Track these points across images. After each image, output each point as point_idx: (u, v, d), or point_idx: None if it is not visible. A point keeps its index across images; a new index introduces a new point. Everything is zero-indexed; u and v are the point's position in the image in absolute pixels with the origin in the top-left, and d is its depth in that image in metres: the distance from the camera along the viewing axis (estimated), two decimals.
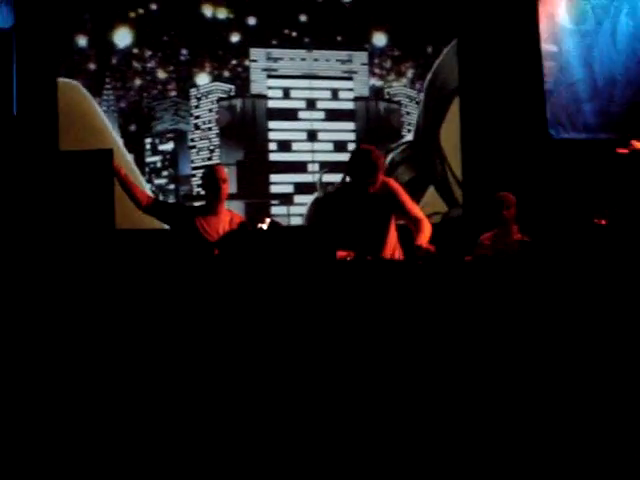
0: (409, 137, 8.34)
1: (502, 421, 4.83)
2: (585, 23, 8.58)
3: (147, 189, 7.63)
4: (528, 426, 4.77)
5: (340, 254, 5.45)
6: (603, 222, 5.22)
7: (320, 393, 4.91)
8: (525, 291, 5.18)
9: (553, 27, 8.50)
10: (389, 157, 8.15)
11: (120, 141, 7.75)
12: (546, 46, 8.44)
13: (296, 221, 8.11)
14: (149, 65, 7.85)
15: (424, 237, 5.68)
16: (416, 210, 5.89)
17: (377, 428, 4.78)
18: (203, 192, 6.27)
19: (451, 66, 8.36)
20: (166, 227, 6.31)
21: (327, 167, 8.16)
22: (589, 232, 5.24)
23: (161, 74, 7.88)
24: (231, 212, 6.32)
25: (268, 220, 5.59)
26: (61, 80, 7.55)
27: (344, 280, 5.24)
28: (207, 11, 7.97)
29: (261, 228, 5.52)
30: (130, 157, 7.79)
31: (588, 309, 5.16)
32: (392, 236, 5.87)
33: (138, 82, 7.83)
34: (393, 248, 5.86)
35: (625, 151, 5.26)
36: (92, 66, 7.72)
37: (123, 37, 7.79)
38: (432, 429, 4.80)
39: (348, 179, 5.95)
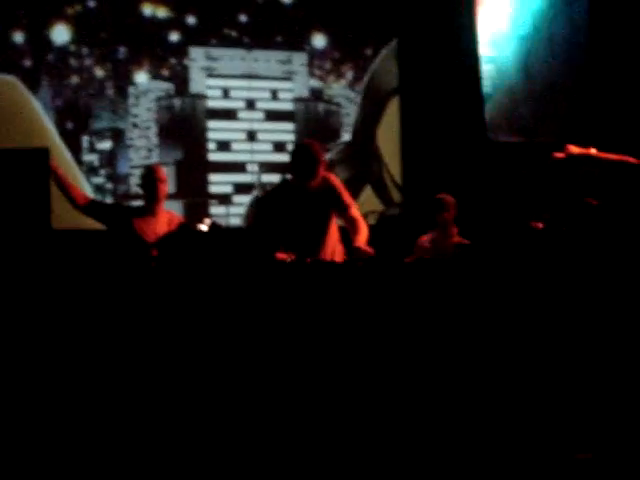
0: (347, 138, 8.23)
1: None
2: (523, 28, 8.57)
3: (86, 187, 7.46)
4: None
5: (280, 256, 5.35)
6: (540, 226, 5.17)
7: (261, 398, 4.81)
8: (462, 294, 5.14)
9: (492, 31, 8.48)
10: (327, 157, 7.98)
11: (59, 139, 7.54)
12: (485, 50, 8.41)
13: (235, 221, 8.01)
14: (86, 62, 7.65)
15: (362, 238, 5.60)
16: (354, 209, 5.81)
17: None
18: (141, 191, 6.12)
19: (388, 68, 8.31)
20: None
21: (265, 167, 8.03)
22: (526, 235, 5.19)
23: (98, 72, 7.70)
24: (170, 213, 6.19)
25: (208, 221, 5.47)
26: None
27: (283, 283, 5.16)
28: (146, 9, 7.82)
29: (201, 229, 5.40)
30: (69, 155, 7.57)
31: (524, 313, 5.13)
32: (333, 234, 5.78)
33: (75, 80, 7.63)
34: (333, 246, 5.76)
35: (561, 155, 5.21)
36: (27, 62, 7.50)
37: (60, 34, 7.58)
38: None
39: (289, 176, 5.86)
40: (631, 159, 5.11)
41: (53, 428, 4.72)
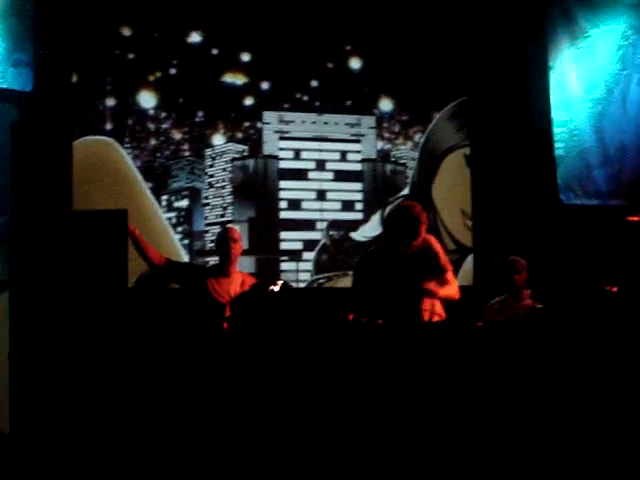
0: (406, 191, 7.92)
1: None
2: (596, 91, 8.10)
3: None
4: None
5: (352, 317, 4.98)
6: (614, 289, 4.72)
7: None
8: (535, 358, 4.73)
9: (564, 94, 8.04)
10: (387, 209, 7.76)
11: (152, 198, 7.35)
12: (557, 113, 7.97)
13: (304, 277, 7.65)
14: (164, 126, 7.42)
15: (442, 291, 5.24)
16: (450, 274, 5.50)
17: None
18: (216, 250, 5.81)
19: (443, 127, 7.98)
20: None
21: (334, 225, 7.69)
22: (600, 299, 4.75)
23: (176, 134, 7.45)
24: (243, 274, 5.87)
25: (280, 282, 5.13)
26: (97, 137, 7.18)
27: (352, 344, 4.82)
28: (223, 76, 7.58)
29: (272, 290, 5.06)
30: (161, 212, 7.39)
31: (599, 376, 4.71)
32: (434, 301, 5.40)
33: (153, 142, 7.39)
34: (431, 305, 5.36)
35: (636, 218, 4.80)
36: (108, 126, 7.27)
37: (146, 99, 7.37)
38: None
39: (388, 236, 5.52)
40: None
41: None
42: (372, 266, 5.44)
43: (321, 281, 7.61)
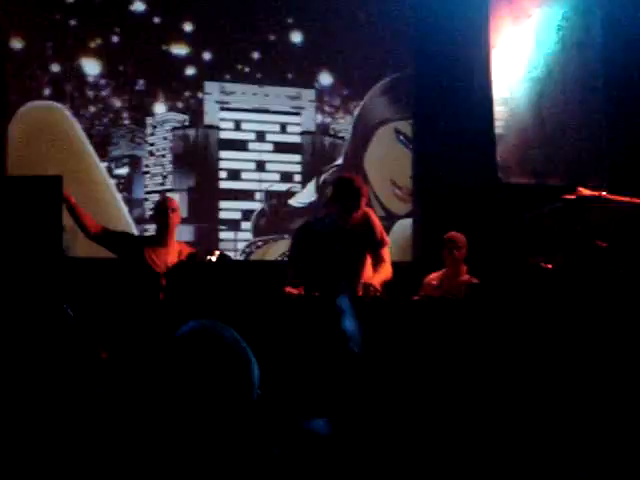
0: (340, 161, 7.67)
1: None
2: (536, 70, 7.85)
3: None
4: None
5: (289, 290, 4.67)
6: (549, 266, 4.49)
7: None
8: (470, 333, 4.48)
9: (505, 73, 7.80)
10: (321, 178, 7.54)
11: (101, 165, 7.01)
12: (497, 91, 7.74)
13: (241, 246, 7.36)
14: (104, 93, 7.04)
15: (378, 277, 4.94)
16: (385, 249, 5.19)
17: None
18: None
19: (376, 101, 7.72)
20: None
21: (272, 195, 7.41)
22: (535, 275, 4.52)
23: (117, 102, 7.09)
24: (181, 244, 5.54)
25: (217, 252, 4.79)
26: (45, 103, 6.83)
27: (288, 317, 4.52)
28: (166, 45, 7.22)
29: (210, 260, 4.72)
30: (113, 181, 7.06)
31: (530, 352, 4.48)
32: (367, 269, 5.11)
33: (93, 109, 7.02)
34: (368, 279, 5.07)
35: (572, 197, 4.57)
36: (47, 92, 6.89)
37: (83, 66, 6.97)
38: None
39: (329, 208, 5.21)
40: None
41: None
42: (310, 236, 5.16)
43: (259, 244, 7.36)
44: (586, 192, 4.55)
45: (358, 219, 5.04)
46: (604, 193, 4.54)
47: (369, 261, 5.18)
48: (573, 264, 4.44)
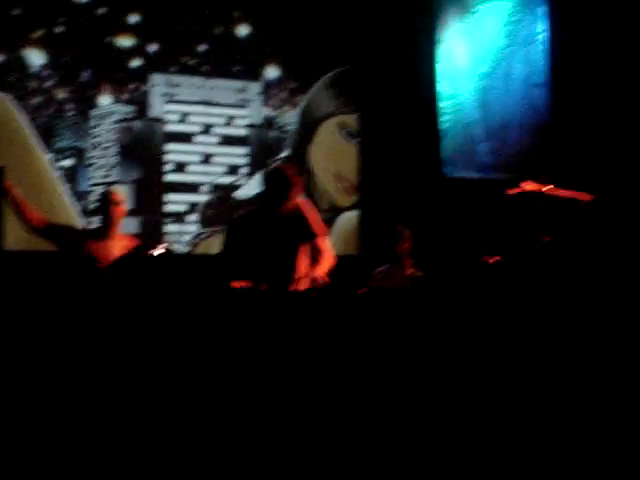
0: (285, 154, 7.61)
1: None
2: (482, 66, 7.82)
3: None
4: None
5: (235, 284, 4.57)
6: (492, 260, 4.47)
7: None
8: (413, 325, 4.45)
9: (450, 68, 7.78)
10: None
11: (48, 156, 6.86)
12: (443, 86, 7.72)
13: (187, 238, 7.27)
14: (48, 84, 6.87)
15: (321, 269, 4.84)
16: (322, 240, 5.05)
17: None
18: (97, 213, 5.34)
19: (321, 95, 7.69)
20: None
21: (218, 188, 7.31)
22: (478, 269, 4.50)
23: (60, 93, 6.92)
24: (126, 237, 5.39)
25: (162, 246, 4.69)
26: None
27: (234, 311, 4.42)
28: (111, 37, 7.08)
29: (153, 254, 4.62)
30: (58, 173, 6.89)
31: (473, 346, 4.46)
32: (303, 261, 4.99)
33: (36, 100, 6.85)
34: (305, 273, 4.95)
35: (515, 192, 4.55)
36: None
37: (26, 56, 6.81)
38: None
39: (262, 199, 5.10)
40: (584, 195, 4.50)
41: None
42: (243, 230, 5.04)
43: (204, 236, 7.26)
44: (530, 186, 4.54)
45: (290, 210, 4.96)
46: (547, 187, 4.54)
47: (305, 253, 5.09)
48: (516, 258, 4.43)
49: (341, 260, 5.16)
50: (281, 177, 4.92)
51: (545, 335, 4.42)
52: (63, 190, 6.89)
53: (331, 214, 7.59)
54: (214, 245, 7.22)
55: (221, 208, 7.31)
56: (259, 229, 4.97)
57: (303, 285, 4.97)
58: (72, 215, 6.84)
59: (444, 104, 7.69)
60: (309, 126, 7.68)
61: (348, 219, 7.65)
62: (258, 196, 5.56)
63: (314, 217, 5.07)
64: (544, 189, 4.52)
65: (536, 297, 4.42)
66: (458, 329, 4.43)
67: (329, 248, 5.10)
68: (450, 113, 7.71)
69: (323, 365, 4.30)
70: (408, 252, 5.81)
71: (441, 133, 7.63)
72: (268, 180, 5.03)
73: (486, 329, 4.43)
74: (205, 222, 7.29)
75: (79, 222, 6.79)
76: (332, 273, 4.91)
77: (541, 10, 7.82)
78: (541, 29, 7.85)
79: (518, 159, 7.58)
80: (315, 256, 4.98)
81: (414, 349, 4.41)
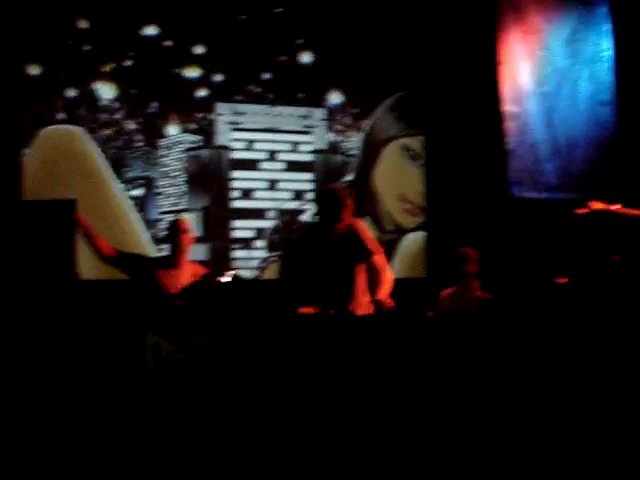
0: (350, 177, 7.61)
1: None
2: (546, 85, 7.69)
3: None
4: None
5: (303, 310, 4.55)
6: (562, 281, 4.36)
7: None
8: (483, 349, 4.36)
9: (515, 88, 7.66)
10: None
11: (118, 189, 6.97)
12: (508, 107, 7.60)
13: (254, 264, 7.27)
14: (117, 116, 6.98)
15: (384, 290, 4.77)
16: (378, 257, 4.96)
17: None
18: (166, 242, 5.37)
19: (384, 118, 7.67)
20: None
21: (285, 214, 7.33)
22: (548, 291, 4.39)
23: (130, 124, 7.03)
24: (194, 264, 5.41)
25: (231, 273, 4.69)
26: (64, 126, 6.77)
27: (304, 337, 4.40)
28: (178, 68, 7.16)
29: (223, 281, 4.63)
30: (130, 203, 6.99)
31: (546, 368, 4.36)
32: (360, 280, 4.92)
33: (106, 132, 6.96)
34: (362, 293, 4.90)
35: (584, 211, 4.44)
36: (61, 116, 6.82)
37: (96, 90, 6.92)
38: None
39: (316, 221, 5.09)
40: None
41: None
42: (298, 252, 5.03)
43: (271, 260, 7.24)
44: (597, 206, 4.43)
45: (344, 230, 4.92)
46: (615, 206, 4.42)
47: (362, 273, 5.02)
48: (586, 278, 4.31)
49: (407, 282, 5.10)
50: (333, 197, 4.91)
51: (618, 357, 4.29)
52: (135, 219, 6.98)
53: (396, 235, 7.57)
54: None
55: (287, 232, 7.31)
56: (314, 251, 4.94)
57: (364, 304, 4.91)
58: (144, 243, 6.92)
59: (509, 124, 7.56)
60: (372, 149, 7.67)
61: (413, 240, 7.59)
62: (314, 218, 5.54)
63: (368, 236, 5.03)
64: (612, 208, 4.41)
65: (607, 318, 4.30)
66: (527, 352, 4.33)
67: (386, 265, 5.05)
68: (516, 133, 7.58)
69: (397, 388, 4.25)
70: (475, 274, 5.70)
71: (507, 153, 7.51)
72: (320, 201, 5.05)
73: (555, 352, 4.32)
74: (271, 247, 7.30)
75: (151, 250, 6.87)
76: (400, 296, 4.85)
77: (606, 27, 7.69)
78: (606, 47, 7.71)
79: (585, 178, 7.42)
80: (373, 275, 4.92)
81: (483, 373, 4.32)
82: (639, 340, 4.25)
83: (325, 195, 5.02)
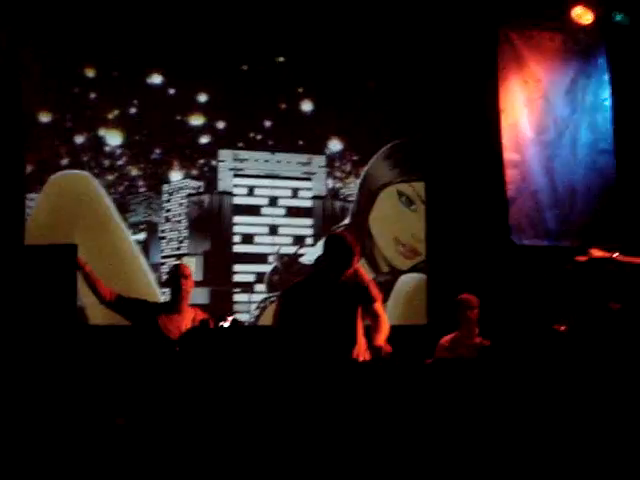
0: (347, 221, 7.50)
1: None
2: (547, 133, 7.61)
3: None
4: None
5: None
6: (562, 329, 4.21)
7: None
8: (482, 396, 4.21)
9: (516, 136, 7.56)
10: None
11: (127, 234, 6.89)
12: (508, 154, 7.49)
13: (255, 307, 7.14)
14: (120, 162, 6.90)
15: (382, 336, 4.63)
16: (378, 304, 4.82)
17: None
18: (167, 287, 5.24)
19: (380, 165, 7.58)
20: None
21: (285, 258, 7.21)
22: (548, 338, 4.25)
23: (133, 170, 6.94)
24: (195, 309, 5.28)
25: (230, 318, 4.54)
26: (73, 171, 6.72)
27: (306, 381, 4.26)
28: (181, 116, 7.08)
29: (222, 326, 4.48)
30: (136, 248, 6.89)
31: (544, 415, 4.20)
32: (360, 327, 4.78)
33: (109, 177, 6.88)
34: (360, 340, 4.75)
35: (584, 259, 4.31)
36: (65, 162, 6.75)
37: (100, 136, 6.86)
38: None
39: (320, 265, 4.91)
40: None
41: None
42: (300, 298, 4.81)
43: (272, 299, 7.05)
44: (598, 253, 4.30)
45: (347, 275, 4.77)
46: (616, 254, 4.30)
47: (360, 318, 4.86)
48: (586, 326, 4.17)
49: (408, 329, 4.96)
50: (344, 245, 4.73)
51: (617, 403, 4.15)
52: (140, 263, 6.86)
53: (391, 277, 7.47)
54: None
55: (286, 274, 7.17)
56: (319, 295, 4.77)
57: (364, 351, 4.76)
58: (149, 287, 6.80)
59: (510, 172, 7.45)
60: (368, 195, 7.58)
61: (407, 282, 7.49)
62: (316, 262, 5.33)
63: (371, 282, 4.90)
64: (612, 255, 4.28)
65: (607, 365, 4.15)
66: (528, 399, 4.18)
67: (385, 313, 4.91)
68: (517, 181, 7.47)
69: (396, 435, 4.10)
70: (475, 320, 5.56)
71: (509, 201, 7.39)
72: (330, 248, 4.81)
73: (555, 399, 4.17)
74: (271, 287, 7.18)
75: (156, 293, 6.77)
76: (400, 341, 4.70)
77: (604, 77, 7.62)
78: (605, 96, 7.66)
79: (585, 226, 7.32)
80: (372, 321, 4.76)
81: (484, 420, 4.17)
82: (638, 386, 4.11)
83: (335, 242, 4.80)
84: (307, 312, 4.73)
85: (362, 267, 5.09)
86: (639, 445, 3.94)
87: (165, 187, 7.01)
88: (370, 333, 4.75)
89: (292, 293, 4.93)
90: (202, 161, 7.12)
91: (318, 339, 4.57)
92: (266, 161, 7.31)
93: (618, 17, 7.22)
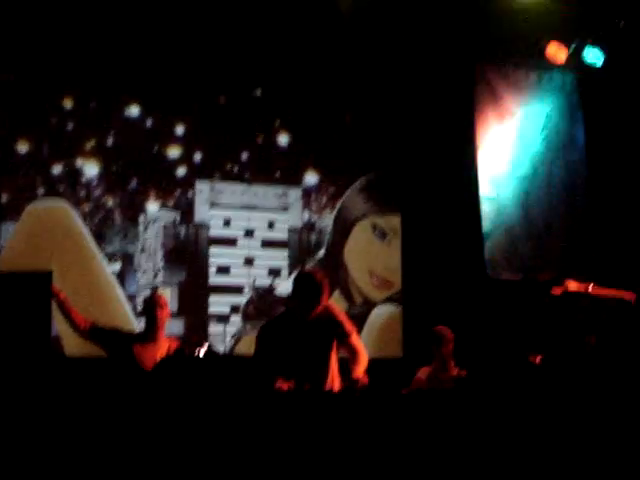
0: (322, 253, 7.46)
1: None
2: (522, 169, 7.66)
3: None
4: None
5: (279, 385, 4.32)
6: (537, 360, 4.19)
7: None
8: (458, 427, 4.17)
9: (491, 171, 7.59)
10: (306, 266, 7.31)
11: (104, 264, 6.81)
12: (484, 189, 7.52)
13: (230, 338, 7.05)
14: (97, 192, 6.83)
15: (360, 369, 4.58)
16: (354, 338, 4.76)
17: None
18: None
19: (354, 198, 7.56)
20: None
21: (260, 290, 7.12)
22: (523, 370, 4.22)
23: (109, 200, 6.87)
24: (170, 339, 5.20)
25: (206, 346, 4.47)
26: (51, 200, 6.66)
27: (281, 411, 4.19)
28: (158, 147, 7.04)
29: (197, 355, 4.41)
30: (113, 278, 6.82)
31: (519, 447, 4.16)
32: (333, 362, 4.72)
33: (86, 208, 6.81)
34: (333, 376, 4.70)
35: (559, 291, 4.30)
36: (41, 191, 6.70)
37: (77, 167, 6.80)
38: None
39: (291, 304, 4.85)
40: (627, 294, 4.25)
41: None
42: (274, 335, 4.76)
43: (247, 330, 7.01)
44: (573, 286, 4.29)
45: (320, 312, 4.70)
46: (591, 285, 4.29)
47: (335, 356, 4.82)
48: (561, 358, 4.15)
49: (382, 362, 4.90)
50: (312, 283, 4.67)
51: (594, 435, 4.12)
52: (116, 293, 6.77)
53: (364, 308, 7.43)
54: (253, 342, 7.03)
55: (261, 305, 7.12)
56: (291, 333, 4.71)
57: (337, 385, 4.70)
58: (125, 317, 6.72)
59: (486, 207, 7.48)
60: (343, 228, 7.55)
61: (380, 315, 7.44)
62: (287, 300, 5.27)
63: (343, 317, 4.85)
64: (588, 287, 4.27)
65: (582, 397, 4.13)
66: (504, 432, 4.14)
67: (362, 345, 4.86)
68: (492, 216, 7.49)
69: (372, 467, 4.03)
70: (450, 353, 5.52)
71: (484, 235, 7.39)
72: (298, 286, 4.76)
73: (532, 432, 4.13)
74: (246, 318, 7.11)
75: (132, 323, 6.68)
76: (378, 373, 4.65)
77: (578, 115, 7.69)
78: (579, 133, 7.73)
79: (560, 259, 7.32)
80: (349, 355, 4.71)
81: (460, 452, 4.12)
82: (614, 418, 4.09)
83: (303, 280, 4.76)
84: (280, 350, 4.67)
85: (334, 301, 5.04)
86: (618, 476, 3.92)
87: (141, 218, 6.94)
88: (349, 365, 4.71)
89: (267, 329, 4.88)
90: (179, 192, 7.05)
91: (289, 376, 4.50)
92: (243, 193, 7.26)
93: (589, 60, 7.28)
